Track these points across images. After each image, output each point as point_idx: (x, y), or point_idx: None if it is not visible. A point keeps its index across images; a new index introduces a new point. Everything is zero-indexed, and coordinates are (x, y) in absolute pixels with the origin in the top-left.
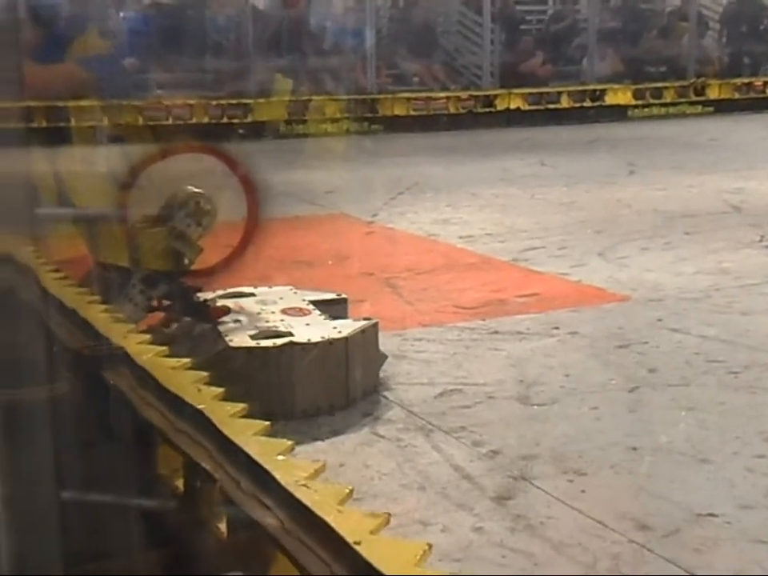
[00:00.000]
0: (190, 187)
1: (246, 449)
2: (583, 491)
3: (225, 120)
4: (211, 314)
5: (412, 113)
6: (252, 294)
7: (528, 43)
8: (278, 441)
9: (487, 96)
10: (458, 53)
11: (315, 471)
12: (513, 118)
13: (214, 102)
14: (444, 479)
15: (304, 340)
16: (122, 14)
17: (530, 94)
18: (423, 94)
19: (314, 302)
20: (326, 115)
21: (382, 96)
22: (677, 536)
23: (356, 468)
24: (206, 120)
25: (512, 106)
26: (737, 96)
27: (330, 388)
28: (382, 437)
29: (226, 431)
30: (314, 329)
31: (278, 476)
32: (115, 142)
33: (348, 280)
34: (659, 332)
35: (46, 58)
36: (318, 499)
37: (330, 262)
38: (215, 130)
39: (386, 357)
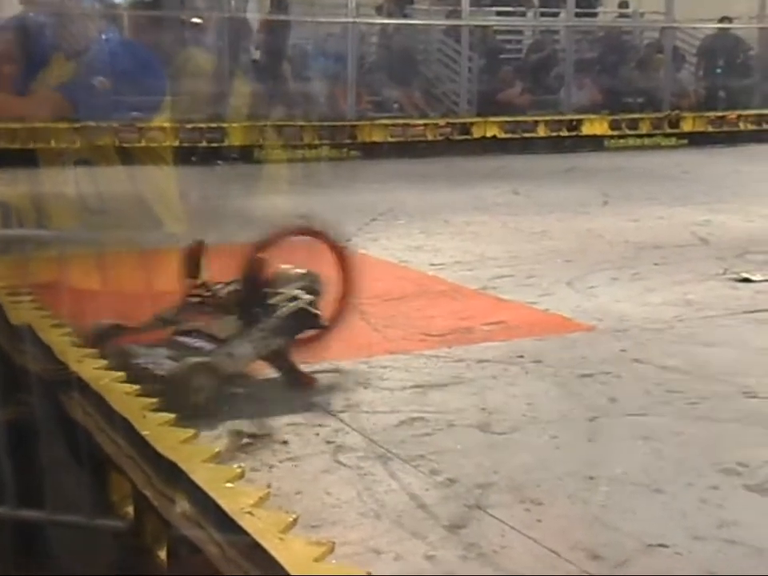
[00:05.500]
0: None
1: (193, 476)
2: (539, 520)
3: (203, 144)
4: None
5: (390, 139)
6: None
7: (507, 73)
8: (226, 468)
9: (464, 124)
10: (437, 81)
11: (260, 499)
12: (489, 146)
13: (189, 126)
14: (400, 507)
15: None
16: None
17: (507, 122)
18: (401, 121)
19: None
20: (303, 141)
21: (360, 122)
22: (627, 566)
23: (317, 496)
24: (177, 143)
25: (488, 134)
26: (710, 129)
27: None
28: (343, 464)
29: (174, 457)
30: None
31: (222, 503)
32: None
33: None
34: (622, 362)
35: (24, 88)
36: (260, 527)
37: None
38: (188, 153)
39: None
